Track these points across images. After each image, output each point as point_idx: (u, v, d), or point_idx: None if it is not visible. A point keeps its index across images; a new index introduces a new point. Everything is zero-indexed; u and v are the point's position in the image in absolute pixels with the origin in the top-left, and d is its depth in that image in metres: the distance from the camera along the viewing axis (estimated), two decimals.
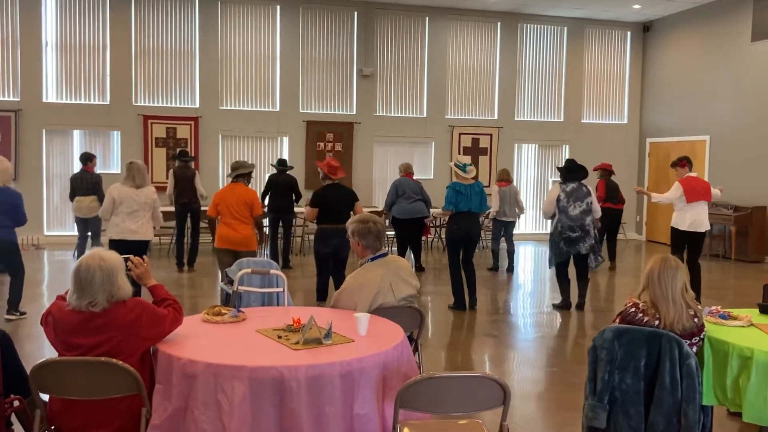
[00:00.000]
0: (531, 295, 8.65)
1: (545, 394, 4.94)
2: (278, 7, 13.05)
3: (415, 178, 10.08)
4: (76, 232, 9.96)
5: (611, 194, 10.58)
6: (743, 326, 3.63)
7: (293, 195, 9.90)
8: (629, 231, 14.78)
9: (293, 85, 13.20)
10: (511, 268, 10.24)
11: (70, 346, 2.93)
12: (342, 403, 2.85)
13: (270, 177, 9.91)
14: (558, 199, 7.44)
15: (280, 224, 9.98)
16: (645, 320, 3.27)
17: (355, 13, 13.43)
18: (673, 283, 3.27)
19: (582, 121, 14.81)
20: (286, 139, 13.23)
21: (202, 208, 9.62)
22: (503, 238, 10.31)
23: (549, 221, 7.86)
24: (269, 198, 9.87)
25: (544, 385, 5.16)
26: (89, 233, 9.73)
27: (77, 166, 10.34)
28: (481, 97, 14.27)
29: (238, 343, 3.17)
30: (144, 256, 3.44)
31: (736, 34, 12.34)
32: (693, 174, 7.98)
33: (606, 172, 10.86)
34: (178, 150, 10.98)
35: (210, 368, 2.80)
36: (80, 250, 9.67)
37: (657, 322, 3.25)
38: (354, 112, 13.52)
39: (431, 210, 9.88)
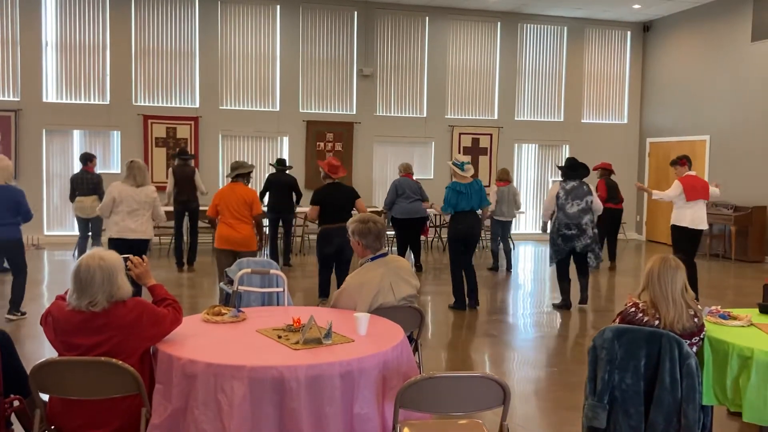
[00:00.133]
0: (531, 295, 8.65)
1: (545, 394, 4.94)
2: (278, 6, 13.05)
3: (414, 178, 10.09)
4: (76, 232, 9.96)
5: (611, 194, 10.58)
6: (743, 326, 3.63)
7: (293, 195, 9.92)
8: (629, 231, 14.78)
9: (293, 84, 13.20)
10: (509, 267, 10.27)
11: (70, 346, 2.93)
12: (342, 403, 2.85)
13: (269, 177, 9.92)
14: (557, 197, 7.50)
15: (280, 224, 10.00)
16: (645, 320, 3.27)
17: (355, 13, 13.43)
18: (673, 283, 3.27)
19: (582, 121, 14.81)
20: (286, 139, 13.23)
21: (201, 208, 9.64)
22: (498, 237, 10.33)
23: (548, 222, 7.89)
24: (269, 198, 9.88)
25: (544, 384, 5.16)
26: (90, 233, 9.74)
27: (77, 166, 10.35)
28: (481, 97, 14.26)
29: (238, 343, 3.17)
30: (143, 256, 3.44)
31: (736, 34, 12.34)
32: (692, 173, 8.03)
33: (606, 171, 10.86)
34: (177, 149, 10.98)
35: (210, 368, 2.80)
36: (81, 249, 9.68)
37: (657, 322, 3.25)
38: (354, 112, 13.52)
39: (425, 206, 9.78)
